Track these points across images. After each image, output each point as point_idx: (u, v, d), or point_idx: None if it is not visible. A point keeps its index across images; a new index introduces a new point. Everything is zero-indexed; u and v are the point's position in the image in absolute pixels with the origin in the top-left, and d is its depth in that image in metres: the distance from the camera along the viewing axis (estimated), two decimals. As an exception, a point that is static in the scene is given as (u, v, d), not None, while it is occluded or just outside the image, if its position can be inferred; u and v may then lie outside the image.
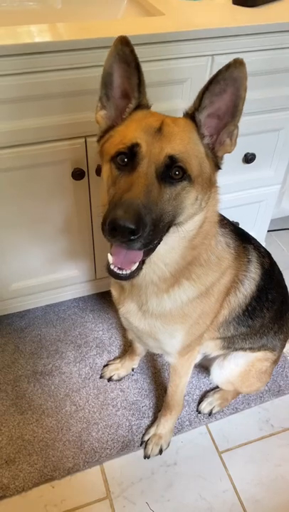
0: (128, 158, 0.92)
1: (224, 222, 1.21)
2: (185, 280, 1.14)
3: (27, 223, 1.59)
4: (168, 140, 0.92)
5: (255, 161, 1.74)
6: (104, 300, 2.07)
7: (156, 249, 1.00)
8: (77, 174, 1.49)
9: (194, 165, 0.94)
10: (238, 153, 1.69)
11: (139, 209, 0.84)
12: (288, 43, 1.47)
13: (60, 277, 1.83)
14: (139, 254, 0.93)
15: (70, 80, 1.30)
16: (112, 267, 0.94)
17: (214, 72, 1.40)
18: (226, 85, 0.92)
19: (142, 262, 0.96)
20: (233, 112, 0.96)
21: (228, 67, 0.89)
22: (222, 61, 1.37)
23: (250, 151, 1.71)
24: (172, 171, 0.91)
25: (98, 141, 1.05)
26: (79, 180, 1.52)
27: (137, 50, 0.95)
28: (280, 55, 1.48)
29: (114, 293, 1.31)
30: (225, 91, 0.93)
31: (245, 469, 1.58)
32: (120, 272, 0.94)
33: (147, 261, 1.03)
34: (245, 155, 1.72)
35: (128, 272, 0.94)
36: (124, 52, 0.94)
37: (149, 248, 0.94)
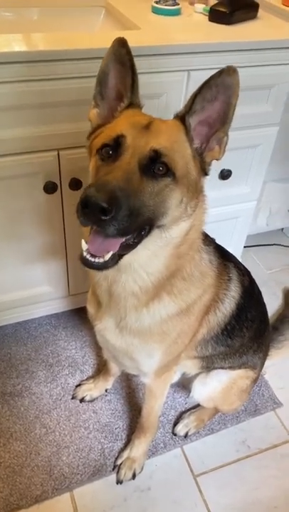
0: (113, 150, 0.91)
1: (208, 239, 1.20)
2: (166, 294, 1.10)
3: (-3, 238, 1.53)
4: (154, 135, 0.91)
5: (231, 177, 1.73)
6: (77, 317, 2.01)
7: (139, 256, 0.98)
8: (50, 187, 1.45)
9: (180, 164, 0.92)
10: (214, 169, 1.68)
11: (114, 189, 0.80)
12: (262, 61, 1.48)
13: (31, 294, 1.77)
14: (116, 244, 0.88)
15: (42, 91, 1.26)
16: (84, 254, 0.89)
17: (190, 87, 1.41)
18: (218, 92, 0.91)
19: (119, 256, 0.92)
20: (224, 119, 0.95)
21: (220, 73, 0.88)
22: (198, 77, 1.36)
23: (227, 168, 1.70)
24: (156, 167, 0.89)
25: (88, 137, 1.05)
26: (51, 194, 1.47)
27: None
28: (255, 72, 1.48)
29: (91, 310, 1.26)
30: (216, 98, 0.92)
31: (221, 493, 1.53)
32: (93, 260, 0.88)
33: (128, 269, 1.01)
34: (222, 171, 1.71)
35: (101, 260, 0.88)
36: (121, 52, 0.96)
37: (127, 243, 0.90)
